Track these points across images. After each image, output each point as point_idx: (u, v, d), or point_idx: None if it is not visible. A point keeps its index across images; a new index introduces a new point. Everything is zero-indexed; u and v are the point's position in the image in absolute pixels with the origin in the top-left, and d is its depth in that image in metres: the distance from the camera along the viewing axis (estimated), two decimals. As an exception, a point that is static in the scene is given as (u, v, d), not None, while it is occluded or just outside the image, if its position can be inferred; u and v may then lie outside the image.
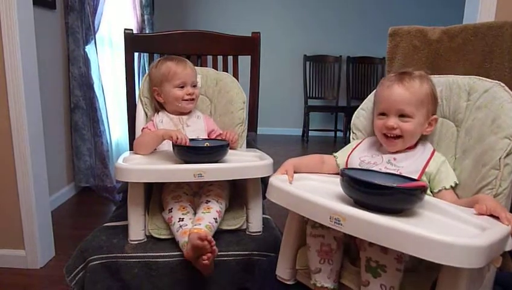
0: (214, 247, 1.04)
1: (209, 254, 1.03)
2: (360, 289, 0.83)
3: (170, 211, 1.18)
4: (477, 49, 1.26)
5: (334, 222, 0.76)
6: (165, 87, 1.35)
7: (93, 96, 2.67)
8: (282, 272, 1.00)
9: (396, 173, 0.94)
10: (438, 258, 0.66)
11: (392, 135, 0.99)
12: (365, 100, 1.16)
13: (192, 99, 1.36)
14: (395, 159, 1.00)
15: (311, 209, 0.81)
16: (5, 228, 1.84)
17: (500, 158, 0.88)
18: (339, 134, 5.08)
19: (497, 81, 0.97)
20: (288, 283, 0.99)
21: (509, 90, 0.94)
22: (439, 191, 0.95)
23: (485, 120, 0.94)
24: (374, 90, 1.13)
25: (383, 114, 1.01)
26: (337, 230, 0.81)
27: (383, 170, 0.96)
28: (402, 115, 0.98)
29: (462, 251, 0.65)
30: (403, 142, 1.00)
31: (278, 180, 0.92)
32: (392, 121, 0.98)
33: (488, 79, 0.99)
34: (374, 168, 0.98)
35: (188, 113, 1.40)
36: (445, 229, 0.77)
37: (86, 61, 2.63)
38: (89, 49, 2.64)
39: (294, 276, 0.99)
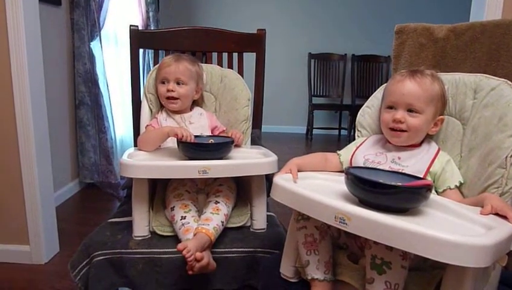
0: (191, 262, 1.01)
1: (188, 266, 1.03)
2: (365, 287, 0.83)
3: (172, 209, 1.18)
4: (484, 47, 1.25)
5: (339, 222, 0.76)
6: (156, 81, 1.37)
7: (98, 92, 2.68)
8: (286, 270, 1.00)
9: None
10: (443, 257, 0.66)
11: (397, 129, 0.98)
12: (370, 97, 1.16)
13: (173, 98, 1.33)
14: (399, 158, 1.00)
15: (316, 209, 0.81)
16: (10, 223, 1.85)
17: (506, 157, 0.87)
18: (343, 132, 5.07)
19: (503, 79, 0.96)
20: (292, 280, 0.99)
21: (516, 88, 0.93)
22: (444, 190, 0.95)
23: (491, 118, 0.93)
24: (379, 88, 1.13)
25: (391, 107, 1.00)
26: (318, 220, 0.82)
27: (388, 169, 0.96)
28: (410, 110, 0.98)
29: (468, 250, 0.65)
30: (407, 137, 0.99)
31: (282, 180, 0.92)
32: (400, 114, 0.98)
33: (494, 77, 0.98)
34: (378, 168, 0.97)
35: (189, 111, 1.40)
36: (450, 228, 0.77)
37: (91, 58, 2.63)
38: (94, 45, 2.65)
39: (298, 274, 0.99)
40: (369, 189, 0.79)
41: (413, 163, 0.98)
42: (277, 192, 0.90)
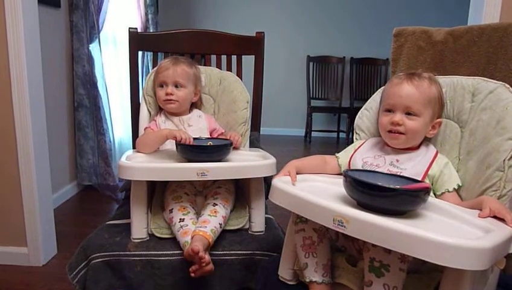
0: (204, 265, 1.03)
1: (197, 266, 1.03)
2: (363, 289, 0.83)
3: (171, 211, 1.18)
4: (482, 50, 1.25)
5: (338, 224, 0.76)
6: (154, 85, 1.36)
7: (97, 94, 2.67)
8: (285, 272, 1.00)
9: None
10: (441, 260, 0.66)
11: (396, 131, 0.99)
12: (369, 100, 1.16)
13: (171, 100, 1.33)
14: (397, 160, 1.00)
15: (314, 211, 0.81)
16: (8, 225, 1.85)
17: (504, 160, 0.88)
18: (342, 135, 5.08)
19: (501, 83, 0.96)
20: (290, 283, 0.99)
21: (514, 92, 0.94)
22: (442, 193, 0.95)
23: (489, 121, 0.94)
24: (378, 91, 1.13)
25: (389, 110, 1.01)
26: (316, 222, 0.82)
27: (386, 172, 0.96)
28: (408, 113, 0.98)
29: (466, 253, 0.65)
30: (405, 140, 0.99)
31: (281, 182, 0.92)
32: (398, 117, 0.98)
33: (492, 80, 0.98)
34: (376, 170, 0.97)
35: (188, 113, 1.40)
36: (449, 231, 0.77)
37: (90, 60, 2.63)
38: (93, 47, 2.65)
39: (297, 276, 0.99)
40: (367, 192, 0.79)
41: (411, 166, 0.98)
42: (275, 194, 0.90)
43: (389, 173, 0.95)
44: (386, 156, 1.02)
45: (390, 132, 1.00)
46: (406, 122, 0.98)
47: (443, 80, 1.06)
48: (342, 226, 0.75)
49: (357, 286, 0.88)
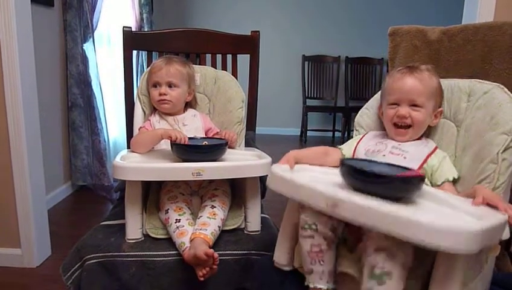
0: (215, 266, 1.04)
1: (208, 269, 1.04)
2: (362, 275, 0.82)
3: (166, 212, 1.17)
4: (476, 49, 1.26)
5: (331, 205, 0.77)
6: (148, 85, 1.36)
7: (91, 94, 2.66)
8: (281, 257, 1.00)
9: (401, 157, 0.98)
10: (431, 243, 0.66)
11: (403, 124, 1.03)
12: (370, 100, 1.19)
13: (165, 100, 1.32)
14: (399, 144, 1.04)
15: (309, 195, 0.82)
16: (1, 226, 1.83)
17: (498, 152, 0.90)
18: (337, 134, 5.08)
19: (496, 84, 0.99)
20: (285, 268, 0.99)
21: (508, 92, 0.96)
22: (442, 183, 0.97)
23: (483, 118, 0.97)
24: (379, 92, 1.15)
25: (394, 104, 1.04)
26: (326, 230, 0.85)
27: (388, 155, 1.00)
28: (413, 105, 1.02)
29: (456, 235, 0.65)
30: (412, 132, 1.03)
31: (279, 169, 0.93)
32: (405, 110, 1.02)
33: (487, 82, 1.02)
34: (379, 155, 1.01)
35: (182, 112, 1.39)
36: (441, 216, 0.78)
37: (84, 59, 2.62)
38: (87, 47, 2.63)
39: (292, 263, 0.99)
40: (362, 179, 0.81)
41: (413, 150, 1.01)
42: (272, 180, 0.91)
43: (391, 156, 0.99)
44: (388, 142, 1.05)
45: (395, 125, 1.04)
46: (412, 114, 1.02)
47: (441, 81, 1.08)
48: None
49: (357, 271, 0.87)
